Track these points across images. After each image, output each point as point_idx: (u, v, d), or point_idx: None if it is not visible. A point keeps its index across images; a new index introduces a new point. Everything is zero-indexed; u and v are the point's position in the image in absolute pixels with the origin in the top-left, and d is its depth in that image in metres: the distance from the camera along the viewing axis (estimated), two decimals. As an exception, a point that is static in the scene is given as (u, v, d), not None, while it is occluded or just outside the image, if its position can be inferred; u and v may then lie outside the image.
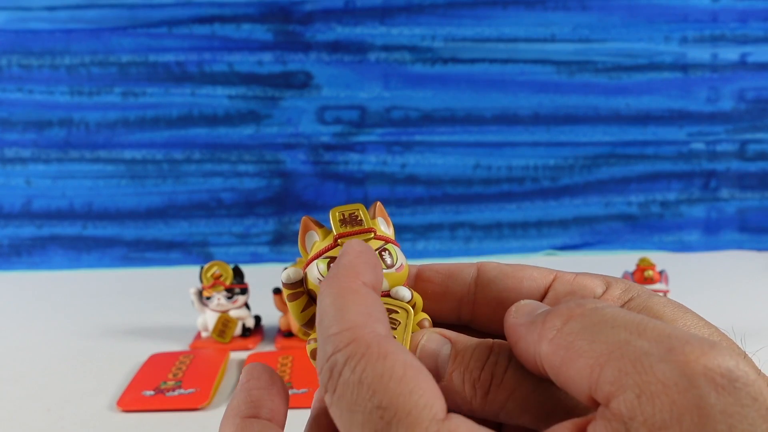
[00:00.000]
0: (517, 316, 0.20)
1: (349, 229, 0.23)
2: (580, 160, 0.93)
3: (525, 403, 0.19)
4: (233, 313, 0.61)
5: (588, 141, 0.92)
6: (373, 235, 0.23)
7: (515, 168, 0.93)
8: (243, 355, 0.58)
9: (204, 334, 0.62)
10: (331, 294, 0.19)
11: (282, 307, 0.62)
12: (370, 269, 0.20)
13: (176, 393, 0.50)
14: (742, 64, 0.92)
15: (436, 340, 0.21)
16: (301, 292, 0.23)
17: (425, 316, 0.23)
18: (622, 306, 0.21)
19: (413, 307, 0.23)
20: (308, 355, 0.22)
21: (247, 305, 0.62)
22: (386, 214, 0.24)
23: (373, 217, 0.24)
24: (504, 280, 0.23)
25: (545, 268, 0.24)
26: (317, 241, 0.24)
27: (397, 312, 0.22)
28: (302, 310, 0.23)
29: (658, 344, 0.15)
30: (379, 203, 0.24)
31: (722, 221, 0.95)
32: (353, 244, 0.21)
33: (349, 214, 0.23)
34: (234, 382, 0.53)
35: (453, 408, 0.18)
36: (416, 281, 0.24)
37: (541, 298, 0.23)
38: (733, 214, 0.94)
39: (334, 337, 0.17)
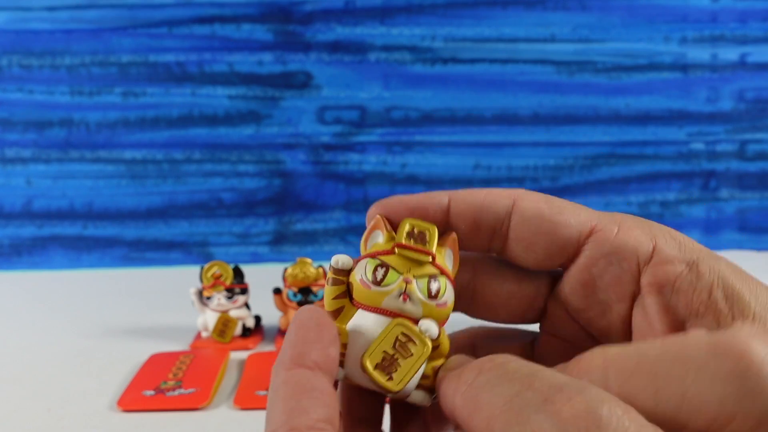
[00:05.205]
0: (444, 373, 0.21)
1: (411, 243, 0.22)
2: (580, 160, 0.93)
3: None
4: (233, 313, 0.61)
5: (588, 141, 0.93)
6: (430, 258, 0.22)
7: (515, 168, 0.93)
8: (243, 355, 0.58)
9: (204, 334, 0.62)
10: (272, 387, 0.19)
11: (282, 307, 0.62)
12: (314, 344, 0.20)
13: (176, 393, 0.50)
14: (742, 65, 0.92)
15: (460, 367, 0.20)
16: (342, 281, 0.23)
17: (441, 363, 0.23)
18: (690, 270, 0.20)
19: (436, 348, 0.22)
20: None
21: (247, 305, 0.62)
22: (457, 249, 0.24)
23: (442, 246, 0.23)
24: (539, 223, 0.23)
25: (585, 214, 0.23)
26: (379, 242, 0.23)
27: (414, 343, 0.21)
28: (334, 297, 0.23)
29: (539, 395, 0.16)
30: (454, 235, 0.23)
31: (722, 221, 0.95)
32: (299, 314, 0.21)
33: (419, 232, 0.22)
34: (234, 381, 0.53)
35: None
36: (448, 214, 0.24)
37: (579, 248, 0.22)
38: (733, 214, 0.94)
39: None
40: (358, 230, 0.93)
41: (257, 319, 0.64)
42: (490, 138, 0.92)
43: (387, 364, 0.21)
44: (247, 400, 0.49)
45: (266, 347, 0.61)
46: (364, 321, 0.22)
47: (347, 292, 0.23)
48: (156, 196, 0.92)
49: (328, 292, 0.23)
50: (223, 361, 0.56)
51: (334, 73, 0.91)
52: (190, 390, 0.50)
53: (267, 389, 0.50)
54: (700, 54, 0.91)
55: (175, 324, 0.66)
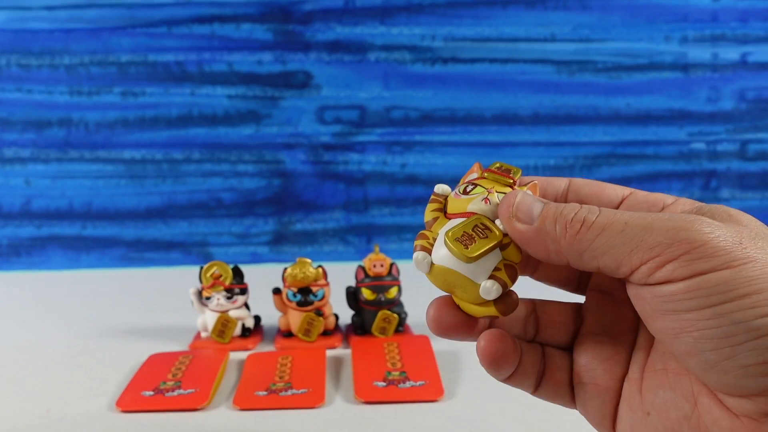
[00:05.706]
0: (520, 216, 0.25)
1: (498, 171, 0.28)
2: (580, 160, 0.93)
3: (610, 242, 0.23)
4: (233, 313, 0.61)
5: (588, 141, 0.92)
6: (511, 181, 0.27)
7: (515, 168, 0.93)
8: (243, 355, 0.58)
9: (204, 334, 0.62)
10: None
11: (281, 307, 0.62)
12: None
13: (176, 393, 0.49)
14: (743, 64, 0.92)
15: (531, 195, 0.26)
16: (440, 201, 0.28)
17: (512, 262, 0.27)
18: (694, 208, 0.26)
19: (508, 245, 0.26)
20: (415, 246, 0.27)
21: (246, 305, 0.62)
22: (537, 193, 0.28)
23: (523, 186, 0.28)
24: (590, 187, 0.29)
25: (623, 186, 0.29)
26: (474, 176, 0.29)
27: (490, 230, 0.26)
28: (432, 210, 0.28)
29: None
30: (536, 182, 0.29)
31: (722, 221, 0.94)
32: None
33: (506, 168, 0.28)
34: (234, 382, 0.53)
35: (540, 251, 0.25)
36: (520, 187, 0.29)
37: (620, 204, 0.29)
38: (734, 214, 0.94)
39: None
40: (358, 230, 0.93)
41: (257, 319, 0.64)
42: (490, 138, 0.92)
43: (465, 239, 0.26)
44: (246, 401, 0.49)
45: (266, 347, 0.61)
46: (451, 223, 0.27)
47: (442, 210, 0.28)
48: (155, 196, 0.92)
49: (428, 208, 0.28)
50: (222, 362, 0.55)
51: (333, 73, 0.91)
52: (190, 390, 0.50)
53: (266, 390, 0.50)
54: (700, 53, 0.91)
55: (174, 324, 0.66)
